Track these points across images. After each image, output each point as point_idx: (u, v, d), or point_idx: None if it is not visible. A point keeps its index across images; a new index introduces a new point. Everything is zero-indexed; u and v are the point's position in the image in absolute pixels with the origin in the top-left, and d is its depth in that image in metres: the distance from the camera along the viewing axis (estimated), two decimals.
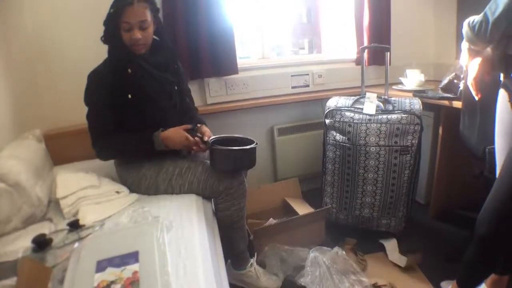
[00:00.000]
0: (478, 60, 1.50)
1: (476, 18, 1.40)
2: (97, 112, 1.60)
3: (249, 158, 1.61)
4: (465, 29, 1.48)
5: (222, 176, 1.59)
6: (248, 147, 1.58)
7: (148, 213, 1.37)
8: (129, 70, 1.58)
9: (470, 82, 1.53)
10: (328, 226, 2.22)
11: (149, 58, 1.64)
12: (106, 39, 1.60)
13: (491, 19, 1.31)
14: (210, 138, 1.64)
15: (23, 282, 0.98)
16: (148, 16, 1.57)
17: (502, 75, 1.39)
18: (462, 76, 1.95)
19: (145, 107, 1.61)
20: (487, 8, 1.32)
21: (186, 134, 1.57)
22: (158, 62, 1.67)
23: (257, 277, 1.80)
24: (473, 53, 1.53)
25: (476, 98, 1.53)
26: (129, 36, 1.54)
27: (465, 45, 1.56)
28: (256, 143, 1.63)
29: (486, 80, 1.47)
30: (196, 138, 1.59)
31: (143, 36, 1.57)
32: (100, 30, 1.61)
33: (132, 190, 1.66)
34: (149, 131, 1.58)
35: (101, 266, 1.03)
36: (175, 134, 1.58)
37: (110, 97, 1.57)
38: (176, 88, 1.75)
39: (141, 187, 1.65)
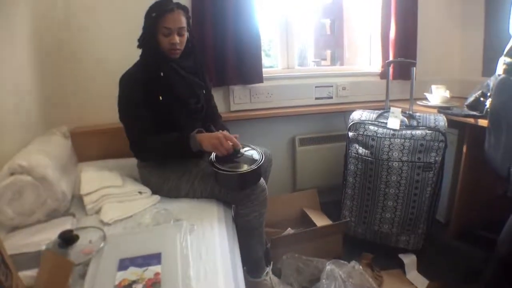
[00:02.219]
0: None
1: None
2: (135, 114, 1.64)
3: (254, 177, 1.56)
4: None
5: None
6: (252, 167, 1.51)
7: (171, 215, 1.38)
8: (162, 73, 1.64)
9: None
10: (345, 239, 2.20)
11: (181, 63, 1.70)
12: (142, 42, 1.67)
13: None
14: (210, 157, 1.59)
15: (44, 274, 1.00)
16: (185, 23, 1.65)
17: None
18: (488, 94, 1.93)
19: (174, 109, 1.66)
20: None
21: (222, 138, 1.51)
22: (188, 66, 1.74)
23: (272, 287, 1.79)
24: None
25: None
26: (167, 41, 1.62)
27: None
28: (263, 157, 1.58)
29: None
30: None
31: (180, 42, 1.65)
32: (132, 34, 1.66)
33: (153, 191, 1.68)
34: (183, 132, 1.58)
35: (123, 265, 1.05)
36: (211, 136, 1.54)
37: (144, 97, 1.62)
38: (204, 92, 1.84)
39: (163, 189, 1.67)
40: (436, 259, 2.14)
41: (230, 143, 1.53)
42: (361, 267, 1.87)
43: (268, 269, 1.82)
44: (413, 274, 2.00)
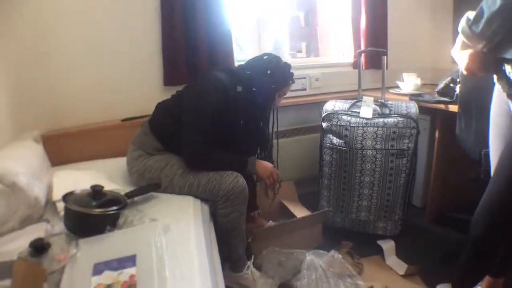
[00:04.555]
0: (468, 52, 1.37)
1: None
2: (207, 123, 1.66)
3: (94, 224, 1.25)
4: (462, 21, 1.40)
5: (223, 180, 1.60)
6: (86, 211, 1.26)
7: (145, 215, 1.36)
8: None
9: (464, 70, 1.43)
10: (324, 229, 2.22)
11: None
12: (267, 86, 1.79)
13: (486, 13, 1.26)
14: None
15: (18, 283, 0.98)
16: None
17: (495, 77, 1.38)
18: (458, 80, 1.96)
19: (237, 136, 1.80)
20: (483, 2, 1.26)
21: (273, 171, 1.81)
22: None
23: (253, 280, 1.80)
24: (465, 46, 1.38)
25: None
26: (279, 100, 1.90)
27: (460, 37, 1.47)
28: (123, 205, 1.36)
29: (478, 74, 1.42)
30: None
31: None
32: (96, 35, 1.62)
33: (134, 178, 1.72)
34: (243, 155, 1.77)
35: (98, 269, 1.03)
36: (266, 164, 1.80)
37: (221, 113, 1.69)
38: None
39: (144, 178, 1.69)
40: (414, 243, 2.18)
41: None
42: (340, 255, 1.88)
43: (249, 263, 1.83)
44: (392, 259, 2.03)
